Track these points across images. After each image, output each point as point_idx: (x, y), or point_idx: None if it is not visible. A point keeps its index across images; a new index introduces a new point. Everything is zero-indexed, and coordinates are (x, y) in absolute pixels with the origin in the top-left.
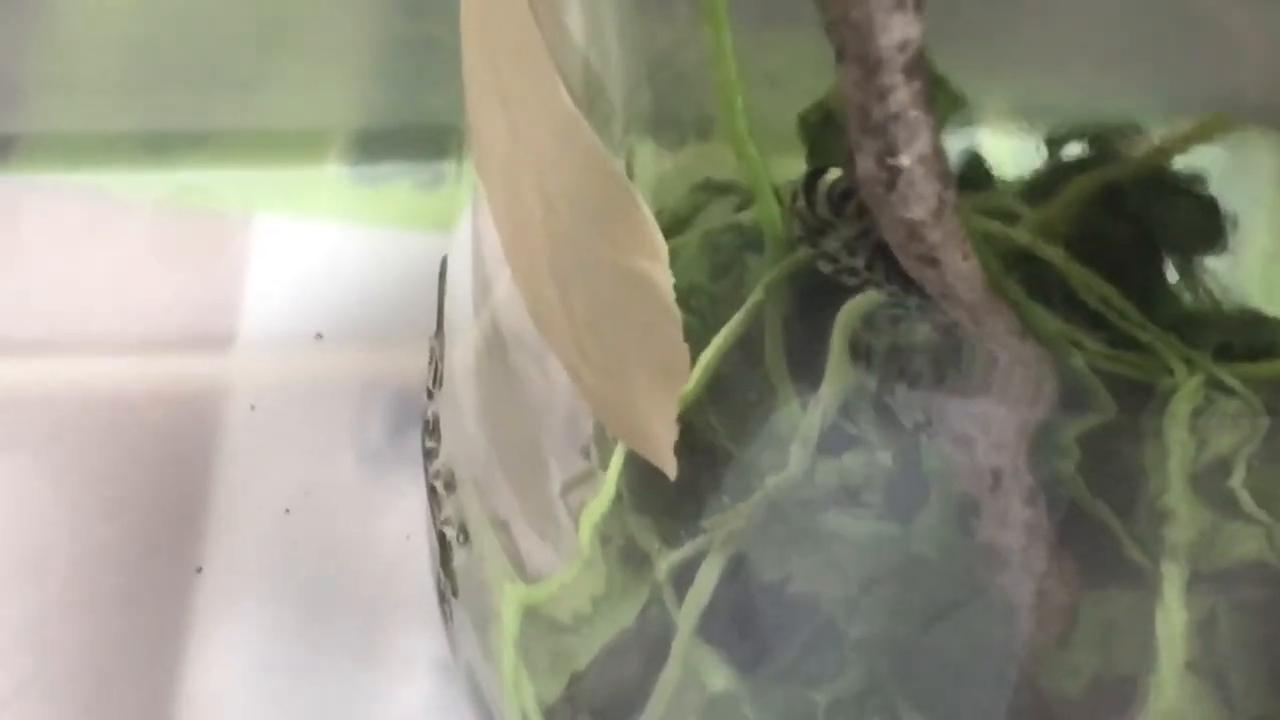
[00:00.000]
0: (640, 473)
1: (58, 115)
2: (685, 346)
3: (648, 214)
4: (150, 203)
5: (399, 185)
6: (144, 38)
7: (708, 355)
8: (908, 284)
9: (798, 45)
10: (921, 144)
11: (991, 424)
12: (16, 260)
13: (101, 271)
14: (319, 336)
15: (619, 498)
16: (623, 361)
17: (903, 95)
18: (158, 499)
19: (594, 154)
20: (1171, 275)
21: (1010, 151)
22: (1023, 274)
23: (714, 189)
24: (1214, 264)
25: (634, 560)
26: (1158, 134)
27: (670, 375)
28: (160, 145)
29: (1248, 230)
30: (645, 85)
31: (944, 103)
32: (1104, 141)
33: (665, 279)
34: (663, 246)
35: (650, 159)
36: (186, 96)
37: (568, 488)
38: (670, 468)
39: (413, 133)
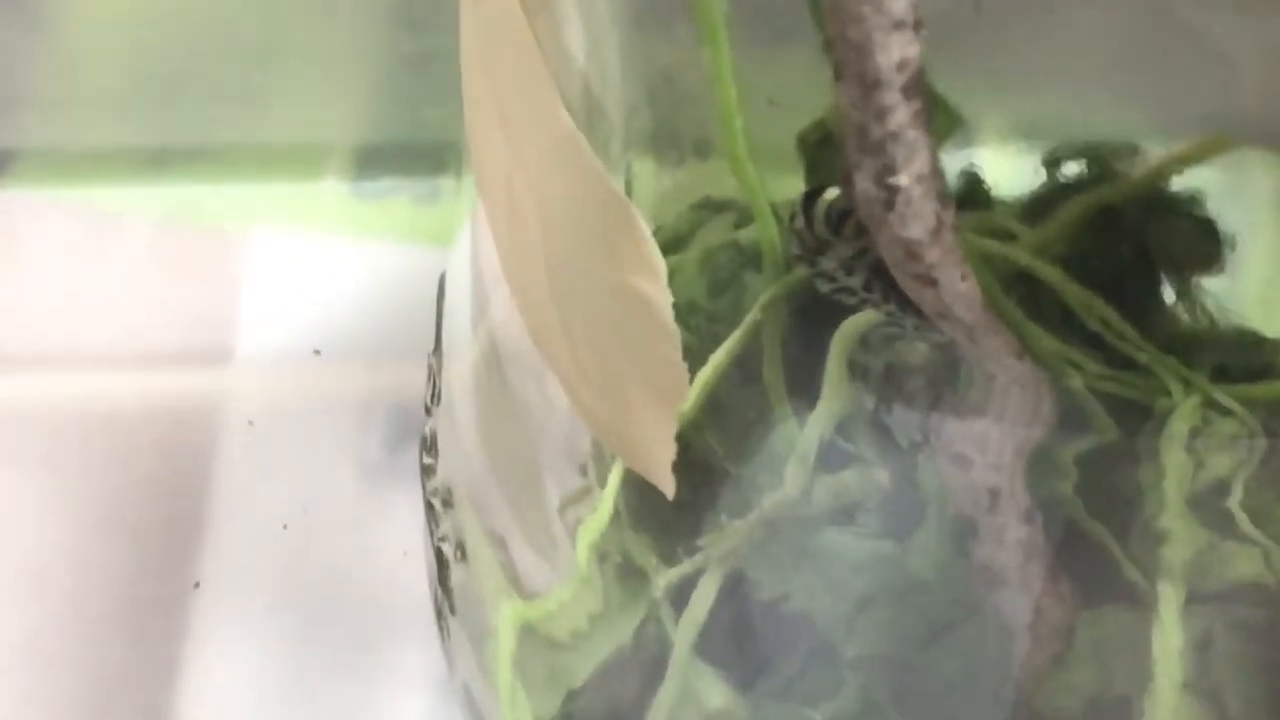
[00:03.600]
0: (638, 490)
1: (56, 130)
2: (684, 366)
3: (647, 233)
4: (148, 218)
5: (398, 200)
6: (142, 53)
7: (706, 374)
8: (905, 304)
9: (797, 64)
10: (920, 163)
11: (989, 443)
12: (14, 276)
13: (99, 287)
14: (317, 352)
15: (616, 515)
16: (621, 380)
17: (901, 115)
18: (155, 515)
19: (593, 173)
20: (1169, 296)
21: (1009, 170)
22: (1020, 294)
23: (713, 207)
24: (1212, 284)
25: (631, 578)
26: (1155, 154)
27: (668, 394)
28: (159, 160)
29: (1246, 250)
30: (645, 104)
31: (942, 122)
32: (1102, 161)
33: (664, 298)
34: (662, 266)
35: (650, 177)
36: (185, 112)
37: (565, 505)
38: (669, 487)
39: (411, 148)
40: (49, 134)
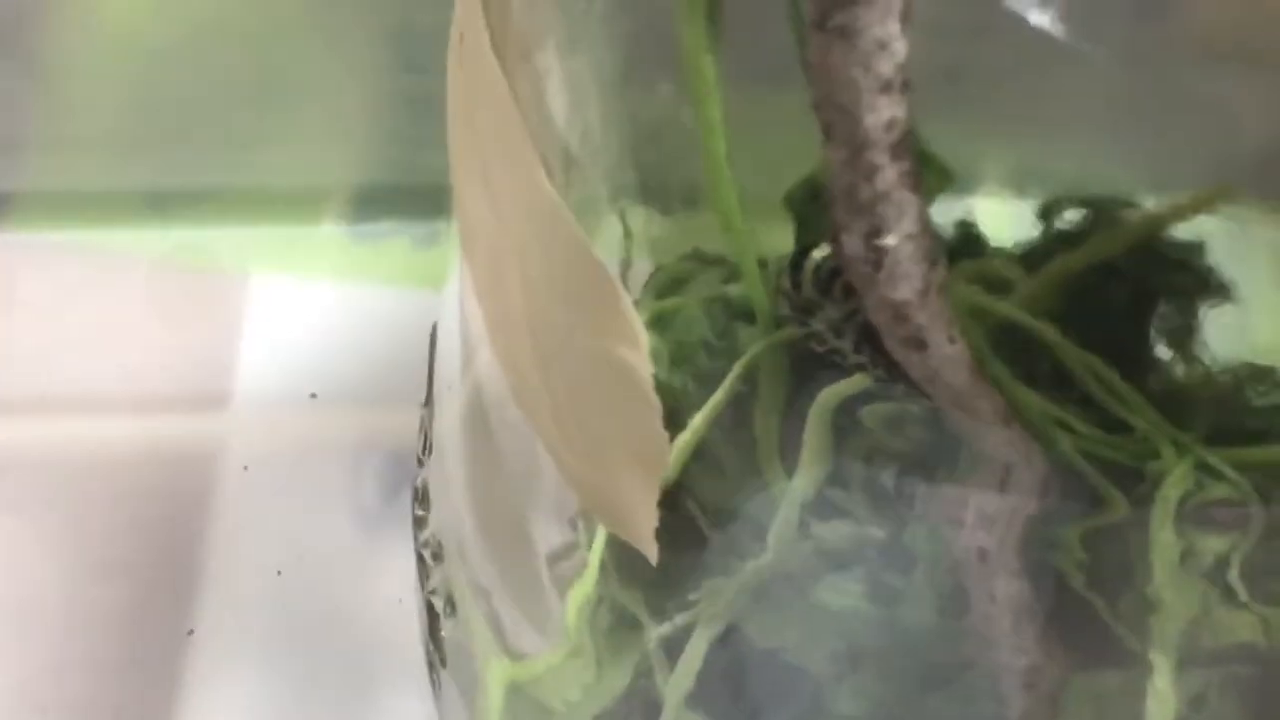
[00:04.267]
0: (626, 547)
1: (54, 173)
2: (665, 435)
3: (628, 302)
4: (146, 261)
5: (396, 243)
6: (141, 96)
7: (690, 431)
8: (894, 367)
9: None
10: (908, 223)
11: (978, 506)
12: (11, 318)
13: (96, 330)
14: (314, 396)
15: (604, 572)
16: (603, 445)
17: (889, 175)
18: (150, 560)
19: (575, 240)
20: (1164, 351)
21: (1006, 220)
22: (1012, 349)
23: (702, 260)
24: (1212, 337)
25: (621, 633)
26: (1153, 205)
27: (650, 462)
28: (157, 203)
29: (1245, 303)
30: (629, 162)
31: (933, 179)
32: (1099, 212)
33: (645, 368)
34: (643, 334)
35: (644, 223)
36: (184, 155)
37: (553, 560)
38: (652, 553)
39: (410, 191)
40: (48, 177)
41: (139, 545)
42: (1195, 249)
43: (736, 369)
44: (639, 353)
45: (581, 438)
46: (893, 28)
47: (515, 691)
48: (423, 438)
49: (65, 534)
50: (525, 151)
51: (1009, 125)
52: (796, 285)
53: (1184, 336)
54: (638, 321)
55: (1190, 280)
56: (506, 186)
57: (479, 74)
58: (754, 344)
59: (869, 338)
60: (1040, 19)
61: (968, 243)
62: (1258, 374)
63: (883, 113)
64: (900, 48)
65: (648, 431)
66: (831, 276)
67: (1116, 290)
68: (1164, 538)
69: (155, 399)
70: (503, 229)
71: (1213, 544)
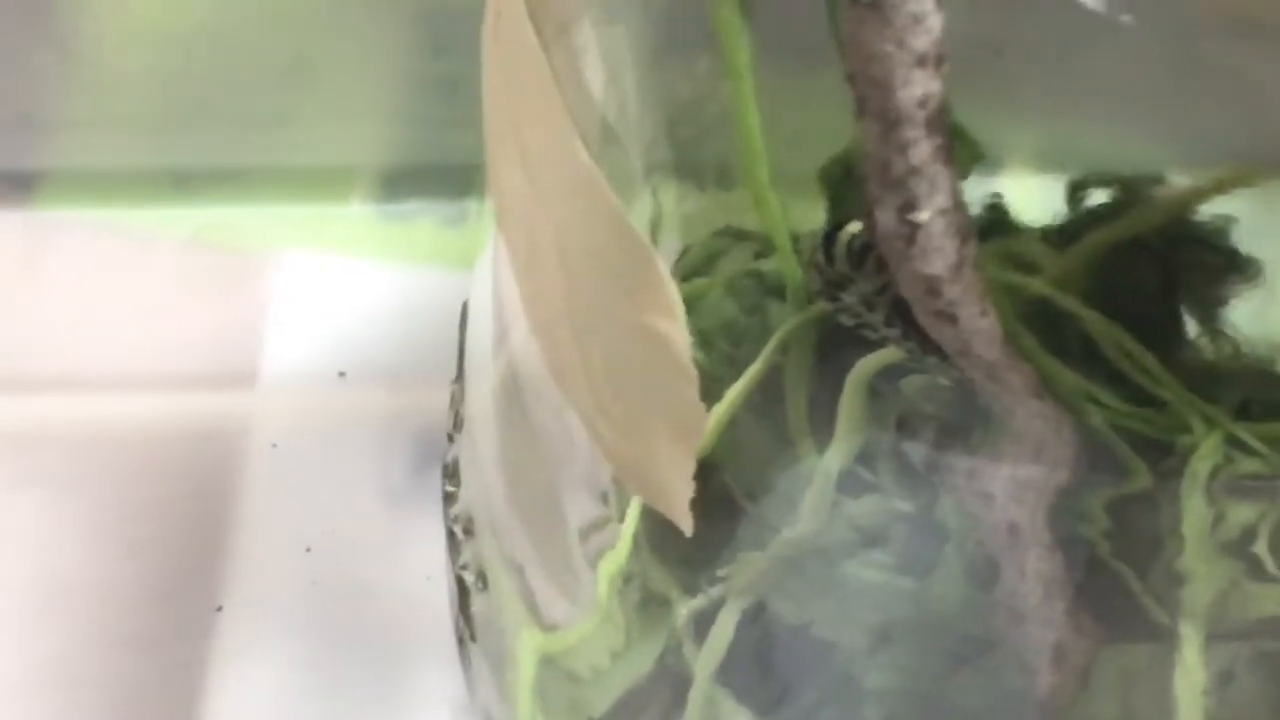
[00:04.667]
0: (658, 521)
1: (82, 152)
2: (701, 406)
3: (665, 273)
4: (174, 240)
5: (424, 223)
6: (169, 75)
7: (723, 406)
8: (926, 341)
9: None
10: (941, 198)
11: (1009, 480)
12: (40, 297)
13: (125, 309)
14: (342, 374)
15: (636, 546)
16: (640, 418)
17: (923, 150)
18: (179, 537)
19: (612, 213)
20: (1193, 328)
21: (1035, 199)
22: (1042, 326)
23: (734, 235)
24: (1240, 315)
25: (652, 608)
26: (1181, 185)
27: (686, 434)
28: (185, 182)
29: (1274, 281)
30: (665, 135)
31: (964, 155)
32: (1128, 191)
33: (683, 338)
34: (679, 306)
35: (675, 201)
36: (212, 134)
37: (585, 534)
38: (687, 525)
39: (438, 171)
40: (77, 155)
41: (168, 522)
42: (1224, 227)
43: (771, 343)
44: (676, 324)
45: (618, 410)
46: (927, 2)
47: (546, 663)
48: (453, 414)
49: (94, 511)
50: (563, 125)
51: (1039, 101)
52: (829, 260)
53: (1212, 313)
54: (675, 293)
55: (1218, 258)
56: (544, 160)
57: (516, 49)
58: (786, 319)
59: (901, 312)
60: None
61: (996, 221)
62: None
63: (917, 87)
64: (935, 22)
65: (684, 403)
66: (864, 251)
67: (1146, 268)
68: (1194, 510)
69: (184, 377)
70: (540, 203)
71: (1242, 517)
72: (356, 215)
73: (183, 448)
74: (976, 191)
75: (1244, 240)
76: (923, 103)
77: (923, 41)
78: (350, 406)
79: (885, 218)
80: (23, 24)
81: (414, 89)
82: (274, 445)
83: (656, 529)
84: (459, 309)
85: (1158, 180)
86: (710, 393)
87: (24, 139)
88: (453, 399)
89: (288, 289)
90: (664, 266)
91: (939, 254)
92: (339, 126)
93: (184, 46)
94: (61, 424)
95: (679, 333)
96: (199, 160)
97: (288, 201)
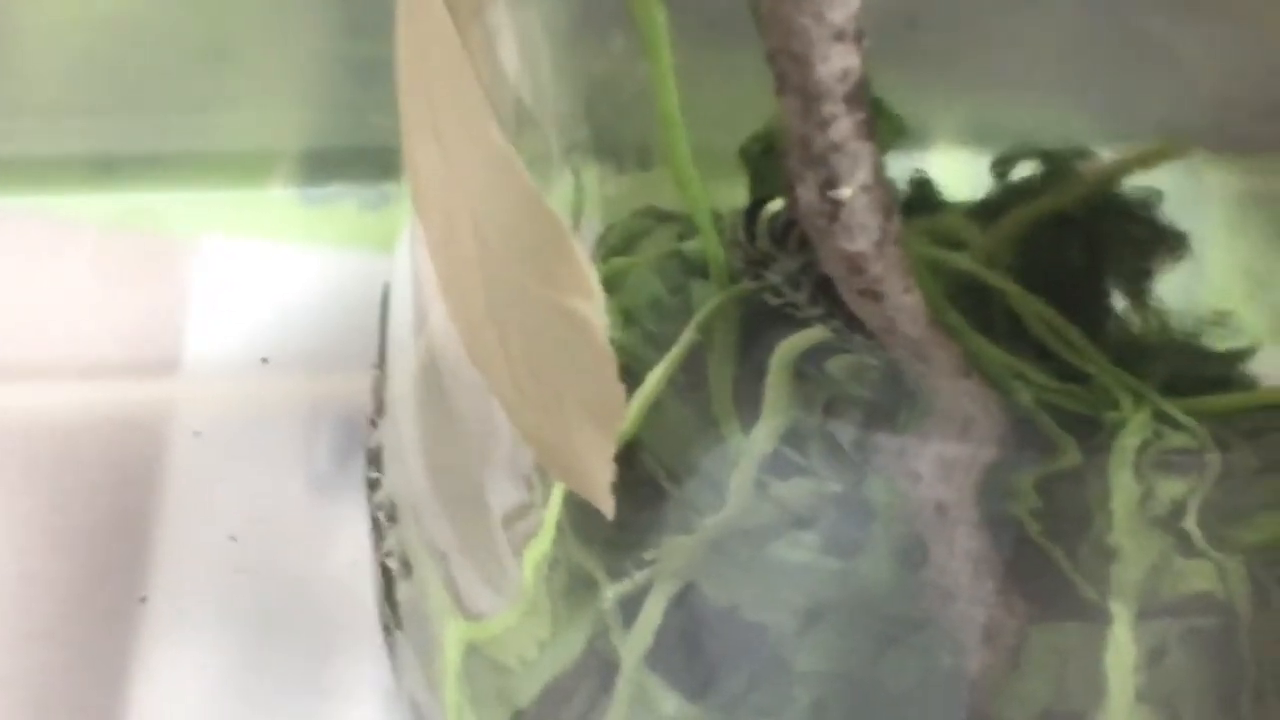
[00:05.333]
0: (583, 505)
1: (2, 138)
2: (621, 387)
3: (582, 254)
4: (95, 226)
5: (345, 206)
6: (89, 60)
7: (648, 386)
8: (851, 319)
9: (739, 70)
10: (863, 175)
11: (936, 458)
12: None
13: (45, 296)
14: (265, 360)
15: (560, 531)
16: (559, 400)
17: (844, 126)
18: (101, 527)
19: (527, 192)
20: (1120, 303)
21: (963, 174)
22: (969, 303)
23: (656, 215)
24: (1167, 289)
25: (578, 593)
26: (1109, 157)
27: (606, 416)
28: (106, 168)
29: (1201, 255)
30: (582, 115)
31: (887, 131)
32: (1054, 164)
33: (600, 319)
34: (597, 286)
35: (597, 180)
36: (131, 119)
37: (508, 520)
38: (608, 507)
39: (358, 153)
40: None
41: (90, 512)
42: (1151, 200)
43: (693, 323)
44: (593, 304)
45: (537, 392)
46: None
47: (472, 652)
48: (375, 399)
49: (14, 501)
50: (477, 104)
51: (964, 76)
52: (751, 238)
53: (1140, 287)
54: (592, 273)
55: (1145, 231)
56: (459, 140)
57: (430, 28)
58: (709, 298)
59: (825, 290)
60: None
61: (923, 197)
62: (1214, 321)
63: (836, 62)
64: None
65: (603, 383)
66: (786, 229)
67: (1071, 242)
68: (1122, 486)
69: (105, 365)
70: (455, 184)
71: (1170, 491)
72: (278, 199)
73: (105, 436)
74: (903, 168)
75: (1171, 214)
76: (842, 77)
77: (840, 15)
78: (274, 392)
79: (807, 195)
80: None
81: (333, 72)
82: (197, 433)
83: (581, 513)
84: (381, 292)
85: (1083, 154)
86: (634, 374)
87: None
88: (374, 384)
89: (210, 274)
90: (581, 246)
91: (862, 231)
92: (259, 111)
93: (102, 32)
94: None
95: (597, 314)
96: (119, 146)
97: (209, 187)
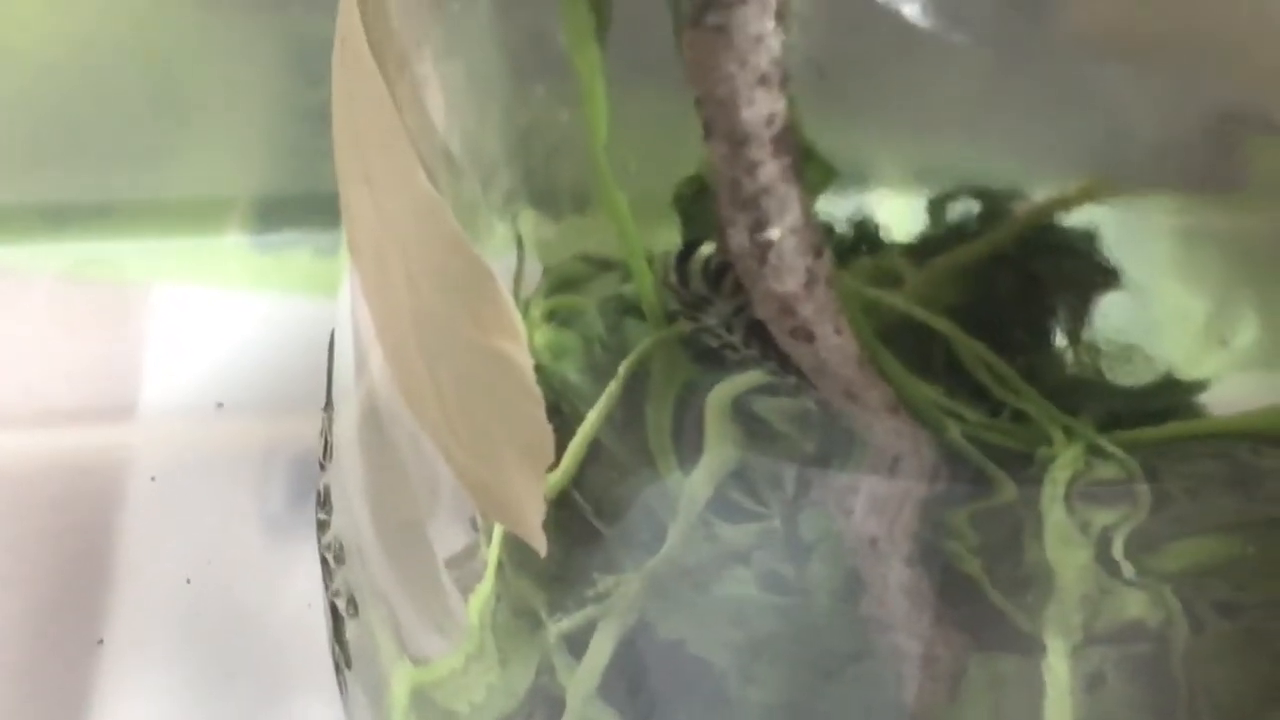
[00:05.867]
0: (524, 544)
1: None
2: (549, 427)
3: (507, 296)
4: (48, 275)
5: (299, 253)
6: (39, 108)
7: (585, 426)
8: (784, 360)
9: (670, 114)
10: (791, 217)
11: (867, 494)
12: None
13: (1, 345)
14: (220, 405)
15: (502, 571)
16: (490, 440)
17: (771, 169)
18: (58, 571)
19: (453, 236)
20: (1058, 338)
21: (905, 216)
22: (906, 342)
23: (595, 262)
24: (1106, 324)
25: (523, 632)
26: (1043, 196)
27: (535, 454)
28: (59, 217)
29: (1139, 290)
30: (513, 164)
31: (816, 174)
32: (990, 204)
33: (525, 360)
34: (521, 328)
35: (533, 226)
36: (83, 168)
37: (453, 563)
38: (540, 545)
39: (311, 201)
40: None
41: (47, 556)
42: (1086, 237)
43: (626, 364)
44: (518, 345)
45: (469, 433)
46: (769, 23)
47: (419, 695)
48: (323, 442)
49: None
50: (404, 151)
51: (888, 120)
52: (685, 281)
53: (1076, 323)
54: (515, 314)
55: (1080, 268)
56: (388, 186)
57: (359, 77)
58: (643, 341)
59: (758, 331)
60: (911, 12)
61: (865, 239)
62: (1144, 357)
63: (761, 107)
64: (776, 42)
65: (531, 423)
66: (720, 271)
67: (1009, 280)
68: (1054, 518)
69: (60, 412)
70: (386, 228)
71: (1101, 522)
72: (231, 246)
73: (61, 481)
74: (845, 210)
75: (1103, 250)
76: (768, 122)
77: (764, 60)
78: (228, 437)
79: (737, 237)
80: None
81: (286, 119)
82: (153, 478)
83: (523, 553)
84: (329, 336)
85: (1017, 195)
86: (574, 411)
87: None
88: (323, 427)
89: (164, 322)
90: (504, 289)
91: (791, 272)
92: (212, 158)
93: (52, 82)
94: None
95: (521, 353)
96: (72, 195)
97: (162, 234)
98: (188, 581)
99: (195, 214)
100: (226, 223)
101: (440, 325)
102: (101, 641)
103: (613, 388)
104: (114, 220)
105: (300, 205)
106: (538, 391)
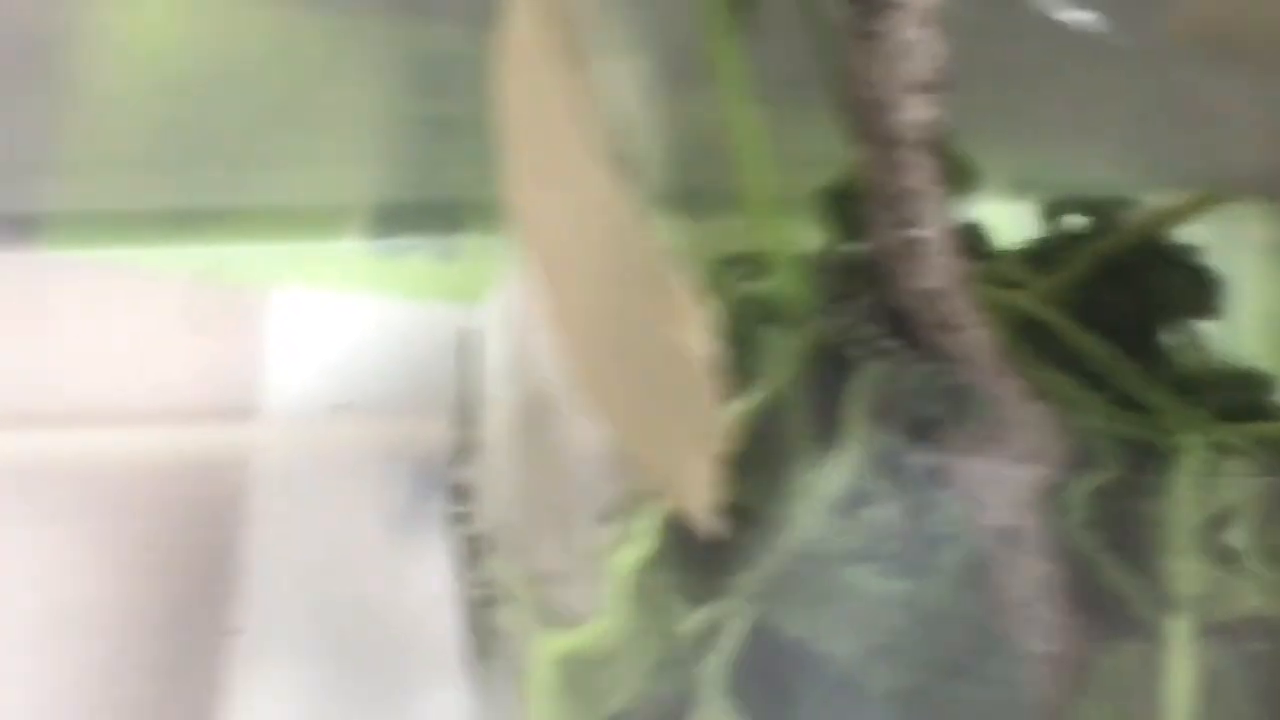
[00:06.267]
0: (671, 532)
1: (85, 194)
2: (722, 414)
3: (686, 289)
4: (175, 278)
5: (416, 258)
6: (168, 118)
7: (734, 420)
8: (922, 352)
9: (816, 120)
10: (938, 217)
11: (1004, 484)
12: (47, 335)
13: (129, 345)
14: (340, 407)
15: (649, 557)
16: (664, 427)
17: (920, 171)
18: (188, 566)
19: (636, 231)
20: (1168, 340)
21: (1005, 221)
22: (1028, 341)
23: (732, 262)
24: (1211, 328)
25: (663, 617)
26: (1152, 207)
27: (709, 440)
28: (185, 222)
29: (1241, 297)
30: (667, 162)
31: (960, 177)
32: (1101, 212)
33: (704, 350)
34: (702, 319)
35: (680, 226)
36: (210, 174)
37: (601, 548)
38: (711, 526)
39: (429, 207)
40: (80, 198)
41: (177, 552)
42: (1193, 248)
43: (779, 357)
44: (698, 336)
45: (643, 420)
46: (923, 30)
47: (560, 671)
48: (457, 438)
49: (102, 542)
50: (589, 151)
51: (1011, 127)
52: (829, 276)
53: (1184, 327)
54: (696, 307)
55: (1186, 278)
56: (569, 185)
57: (540, 81)
58: (789, 336)
59: (898, 325)
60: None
61: (973, 243)
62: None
63: (915, 112)
64: (929, 49)
65: (707, 410)
66: (862, 269)
67: (1122, 286)
68: (1182, 505)
69: (188, 411)
70: (566, 222)
71: (1227, 514)
72: (351, 251)
73: (188, 479)
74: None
75: (1214, 259)
76: (920, 126)
77: (921, 67)
78: (349, 437)
79: (883, 236)
80: (24, 73)
81: (406, 129)
82: (276, 475)
83: (670, 540)
84: (451, 340)
85: (1127, 203)
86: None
87: (29, 183)
88: (454, 424)
89: (286, 324)
90: (685, 282)
91: (936, 270)
92: (334, 166)
93: (183, 93)
94: (69, 458)
95: (700, 344)
96: (199, 200)
97: (285, 239)
98: (314, 576)
99: (316, 219)
100: (347, 228)
101: (619, 316)
102: (234, 633)
103: (764, 381)
104: (238, 225)
105: (417, 212)
106: (712, 380)
